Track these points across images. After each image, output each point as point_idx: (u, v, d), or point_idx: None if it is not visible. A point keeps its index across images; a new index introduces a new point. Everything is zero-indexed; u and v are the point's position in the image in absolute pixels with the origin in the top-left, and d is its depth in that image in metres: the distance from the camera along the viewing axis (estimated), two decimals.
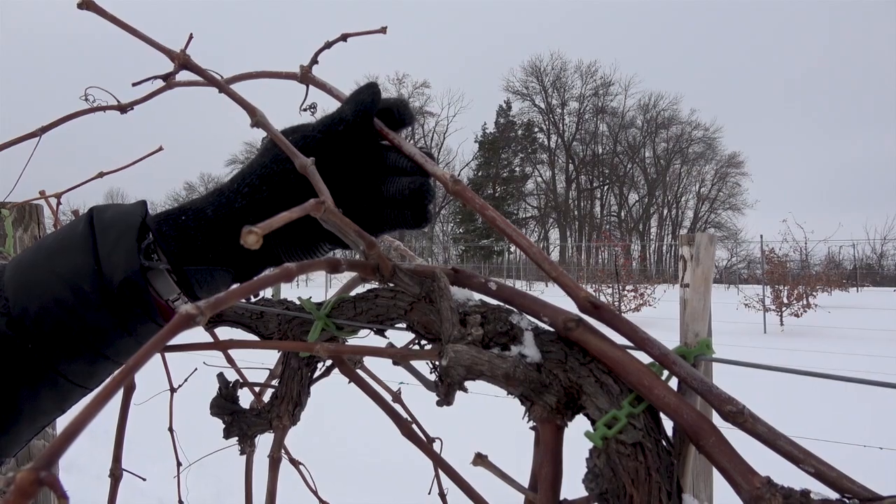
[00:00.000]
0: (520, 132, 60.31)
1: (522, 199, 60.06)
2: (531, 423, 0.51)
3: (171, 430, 1.45)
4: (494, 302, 0.56)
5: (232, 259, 0.61)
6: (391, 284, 0.55)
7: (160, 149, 0.92)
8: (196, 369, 1.49)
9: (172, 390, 1.41)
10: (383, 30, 0.67)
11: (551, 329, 0.51)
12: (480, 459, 0.53)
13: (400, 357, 0.55)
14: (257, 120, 0.55)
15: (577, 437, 0.52)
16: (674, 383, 0.46)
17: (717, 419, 0.45)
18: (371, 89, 0.62)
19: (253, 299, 0.80)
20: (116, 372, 0.32)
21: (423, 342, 0.59)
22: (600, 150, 60.08)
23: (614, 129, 59.61)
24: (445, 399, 0.54)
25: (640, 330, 0.46)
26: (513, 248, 57.37)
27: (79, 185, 0.95)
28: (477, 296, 0.57)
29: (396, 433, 0.86)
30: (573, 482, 0.50)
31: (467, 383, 0.51)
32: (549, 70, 59.64)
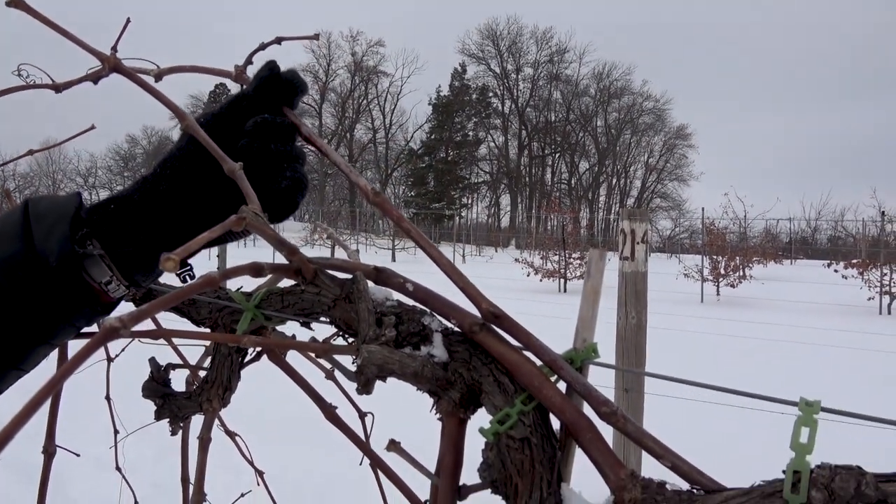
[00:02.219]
0: (474, 96, 60.02)
1: (475, 163, 60.09)
2: (438, 416, 0.56)
3: (108, 398, 1.46)
4: (411, 302, 0.60)
5: (164, 240, 0.64)
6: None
7: (92, 127, 0.93)
8: (133, 340, 1.50)
9: (109, 360, 1.42)
10: (316, 36, 0.70)
11: (459, 330, 0.56)
12: (393, 446, 0.59)
13: (321, 352, 0.59)
14: (187, 124, 0.57)
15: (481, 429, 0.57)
16: (564, 385, 0.52)
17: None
18: (269, 66, 0.66)
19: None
20: (46, 381, 0.35)
21: (346, 336, 0.63)
22: (553, 118, 60.42)
23: (568, 97, 59.95)
24: (364, 389, 0.59)
25: (534, 338, 0.52)
26: (464, 213, 57.57)
27: (6, 164, 0.95)
28: (396, 295, 0.62)
29: (338, 397, 0.91)
30: (475, 470, 0.55)
31: None
32: (506, 34, 59.33)
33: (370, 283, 0.62)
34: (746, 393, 0.48)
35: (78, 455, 0.99)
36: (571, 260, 17.41)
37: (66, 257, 0.59)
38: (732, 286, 16.42)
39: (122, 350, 1.43)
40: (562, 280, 17.25)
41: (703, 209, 18.16)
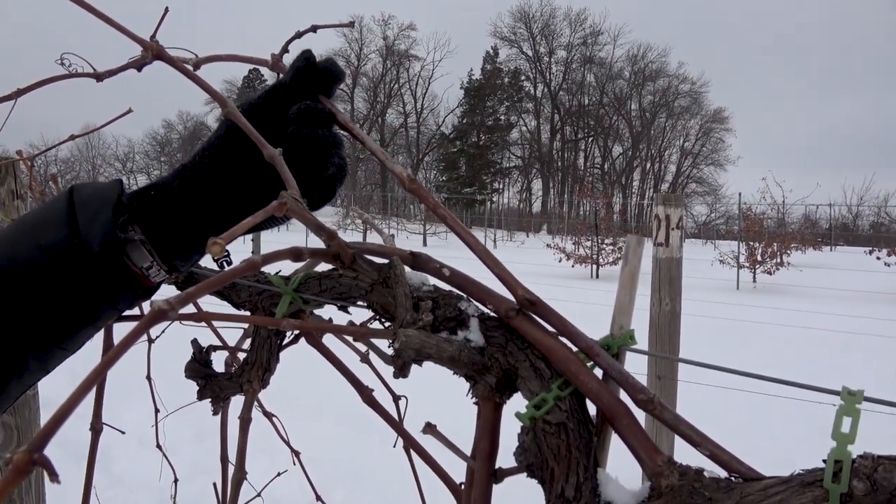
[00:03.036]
0: (506, 80, 59.52)
1: (507, 148, 59.71)
2: (474, 400, 0.56)
3: (148, 378, 1.50)
4: (447, 287, 0.61)
5: (202, 227, 0.65)
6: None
7: (129, 111, 0.95)
8: (172, 322, 1.54)
9: (150, 341, 1.46)
10: (351, 24, 0.70)
11: (496, 315, 0.57)
12: (430, 428, 0.59)
13: (359, 335, 0.60)
14: (228, 111, 0.58)
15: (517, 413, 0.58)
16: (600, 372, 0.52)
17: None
18: (304, 55, 0.67)
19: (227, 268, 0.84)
20: (101, 360, 0.37)
21: (382, 320, 0.64)
22: (586, 101, 59.64)
23: (601, 80, 59.08)
24: (401, 372, 0.59)
25: (570, 324, 0.52)
26: (495, 198, 57.35)
27: (50, 149, 0.97)
28: (432, 279, 0.62)
29: (374, 382, 0.92)
30: (511, 453, 0.56)
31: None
32: (538, 16, 58.61)
33: (406, 269, 0.63)
34: (788, 381, 0.48)
35: (123, 432, 1.02)
36: (604, 246, 17.23)
37: (109, 243, 0.61)
38: (769, 273, 16.09)
39: (163, 332, 1.47)
40: (594, 266, 17.11)
41: (739, 194, 17.81)
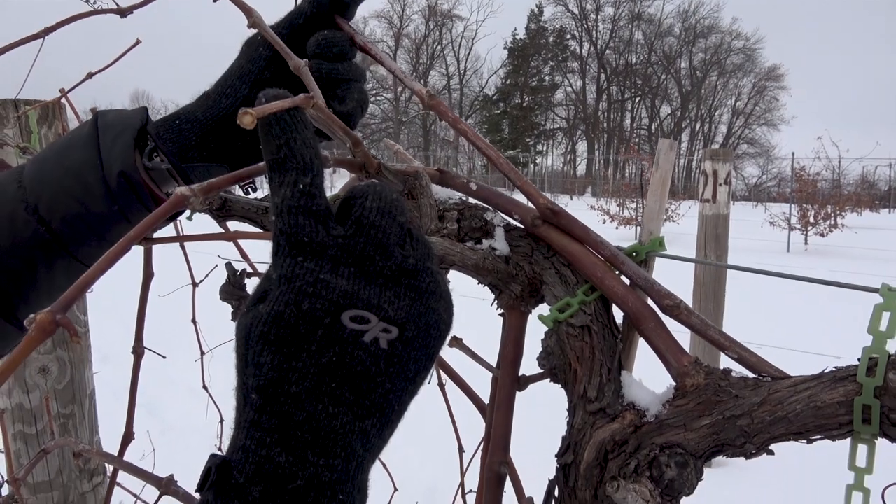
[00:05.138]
0: (551, 39, 58.16)
1: (551, 109, 58.64)
2: (500, 311, 0.56)
3: (193, 321, 1.55)
4: (474, 201, 0.60)
5: (225, 156, 0.67)
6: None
7: (138, 42, 0.96)
8: (217, 266, 1.58)
9: (194, 285, 1.50)
10: None
11: (522, 226, 0.56)
12: (455, 342, 0.59)
13: None
14: (253, 21, 0.58)
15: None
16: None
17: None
18: None
19: (260, 195, 0.85)
20: (121, 240, 0.37)
21: None
22: (634, 60, 57.91)
23: (650, 38, 57.18)
24: None
25: (593, 233, 0.51)
26: (539, 161, 56.66)
27: (73, 88, 0.99)
28: (458, 195, 0.62)
29: None
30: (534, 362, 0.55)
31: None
32: None
33: (435, 186, 0.62)
34: (825, 281, 0.46)
35: (164, 357, 1.06)
36: None
37: (128, 165, 0.63)
38: (822, 235, 15.58)
39: (206, 276, 1.51)
40: (638, 227, 16.84)
41: (792, 154, 17.18)
